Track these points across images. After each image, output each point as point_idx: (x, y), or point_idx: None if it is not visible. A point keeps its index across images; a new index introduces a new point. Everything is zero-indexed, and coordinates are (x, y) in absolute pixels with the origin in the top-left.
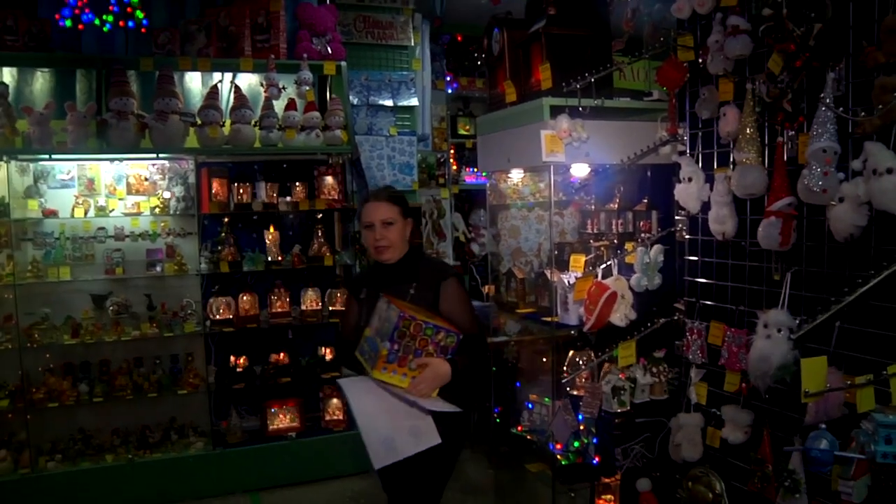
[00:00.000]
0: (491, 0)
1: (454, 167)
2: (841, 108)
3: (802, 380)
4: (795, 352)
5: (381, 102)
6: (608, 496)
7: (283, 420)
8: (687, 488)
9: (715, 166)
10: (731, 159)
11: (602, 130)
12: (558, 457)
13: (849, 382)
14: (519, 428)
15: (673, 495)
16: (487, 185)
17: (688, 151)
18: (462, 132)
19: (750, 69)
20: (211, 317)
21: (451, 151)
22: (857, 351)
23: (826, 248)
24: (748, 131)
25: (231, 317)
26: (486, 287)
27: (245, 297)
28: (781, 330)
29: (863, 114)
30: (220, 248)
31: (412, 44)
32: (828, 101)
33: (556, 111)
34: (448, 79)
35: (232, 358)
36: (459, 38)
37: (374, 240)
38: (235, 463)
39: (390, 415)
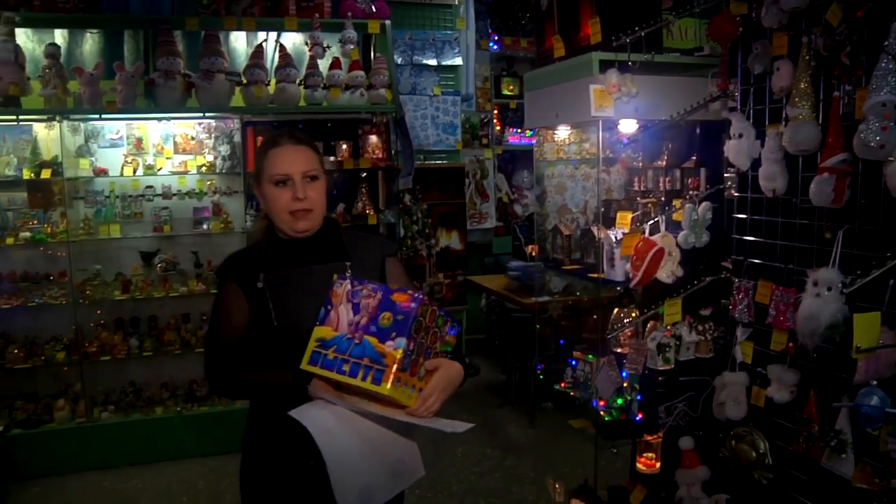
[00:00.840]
0: None
1: (497, 127)
2: None
3: (854, 335)
4: (846, 309)
5: (424, 62)
6: (650, 454)
7: None
8: (730, 447)
9: (767, 122)
10: (784, 115)
11: (651, 86)
12: (601, 413)
13: None
14: (562, 385)
15: (715, 454)
16: (535, 142)
17: (739, 107)
18: (506, 92)
19: (806, 22)
20: None
21: (495, 112)
22: None
23: (882, 205)
24: (802, 86)
25: None
26: (530, 247)
27: None
28: (832, 288)
29: None
30: None
31: (456, 2)
32: (891, 51)
33: (605, 66)
34: (493, 38)
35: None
36: None
37: (289, 201)
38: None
39: (370, 455)
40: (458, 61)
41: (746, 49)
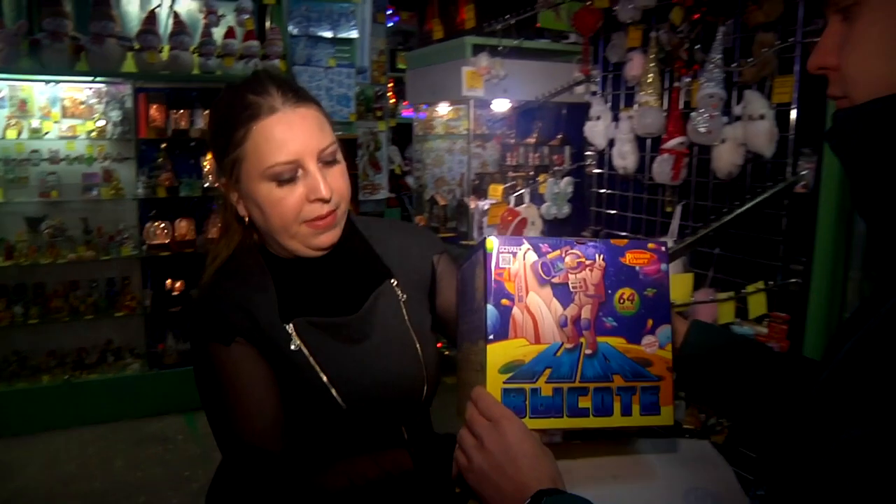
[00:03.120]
0: None
1: (392, 100)
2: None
3: (671, 292)
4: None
5: (320, 34)
6: None
7: None
8: None
9: (621, 106)
10: (635, 101)
11: (522, 69)
12: None
13: (712, 298)
14: (438, 345)
15: None
16: (414, 117)
17: (599, 92)
18: (401, 66)
19: (656, 19)
20: (148, 241)
21: (390, 85)
22: (728, 274)
23: (711, 183)
24: (650, 76)
25: (168, 241)
26: (417, 218)
27: (182, 223)
28: None
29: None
30: (157, 173)
31: None
32: (717, 51)
33: (477, 50)
34: (389, 12)
35: (168, 282)
36: None
37: (301, 203)
38: (171, 384)
39: None
40: (354, 34)
41: (607, 39)
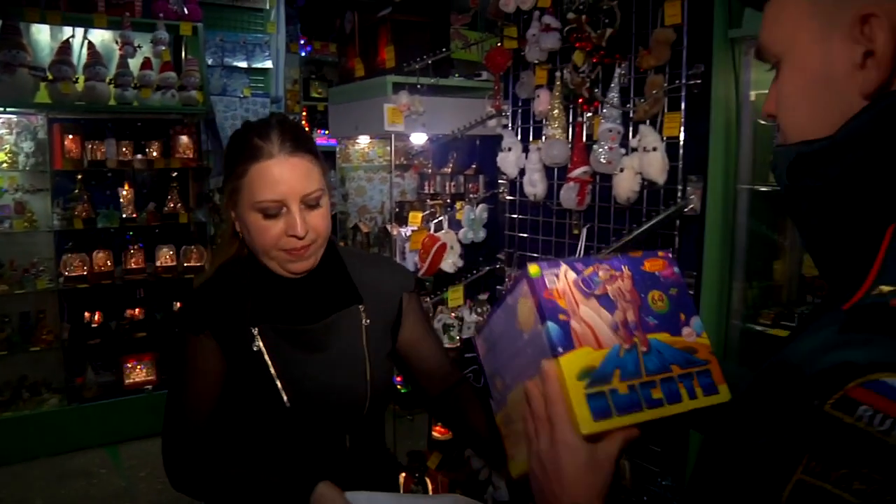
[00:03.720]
0: None
1: (306, 128)
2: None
3: None
4: None
5: (235, 64)
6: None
7: (139, 374)
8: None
9: (531, 139)
10: (543, 134)
11: (439, 105)
12: (398, 386)
13: None
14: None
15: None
16: (337, 149)
17: (509, 125)
18: (314, 95)
19: (560, 59)
20: (65, 273)
21: (304, 113)
22: None
23: (612, 208)
24: (555, 112)
25: (85, 273)
26: (341, 243)
27: (99, 254)
28: None
29: (642, 100)
30: (73, 204)
31: (268, 7)
32: (614, 90)
33: (398, 87)
34: (302, 42)
35: (86, 314)
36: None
37: (280, 235)
38: (92, 418)
39: None
40: (269, 64)
41: (516, 77)
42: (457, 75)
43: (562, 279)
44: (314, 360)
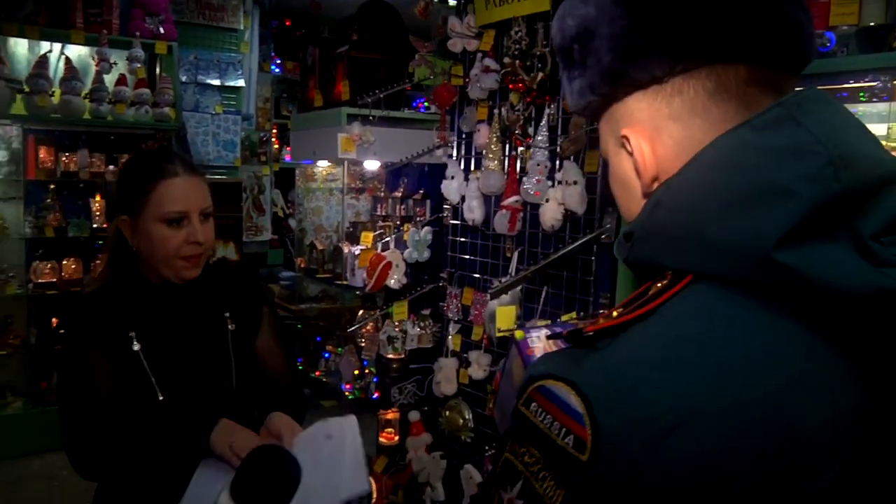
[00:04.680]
0: (312, 7)
1: (276, 146)
2: (541, 138)
3: (497, 321)
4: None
5: (208, 81)
6: (389, 429)
7: None
8: (445, 416)
9: (472, 169)
10: (482, 165)
11: (390, 135)
12: (346, 393)
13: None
14: (317, 373)
15: (436, 423)
16: (296, 171)
17: (454, 155)
18: (285, 113)
19: (500, 98)
20: (34, 280)
21: (274, 131)
22: (553, 307)
23: (540, 234)
24: (493, 146)
25: (55, 280)
26: (299, 259)
27: (70, 262)
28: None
29: (567, 138)
30: (45, 213)
31: (242, 27)
32: (543, 129)
33: (351, 119)
34: (275, 62)
35: (55, 320)
36: (288, 23)
37: (182, 243)
38: (55, 421)
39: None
40: (241, 83)
41: (461, 111)
42: (406, 110)
43: (542, 339)
44: (184, 358)
